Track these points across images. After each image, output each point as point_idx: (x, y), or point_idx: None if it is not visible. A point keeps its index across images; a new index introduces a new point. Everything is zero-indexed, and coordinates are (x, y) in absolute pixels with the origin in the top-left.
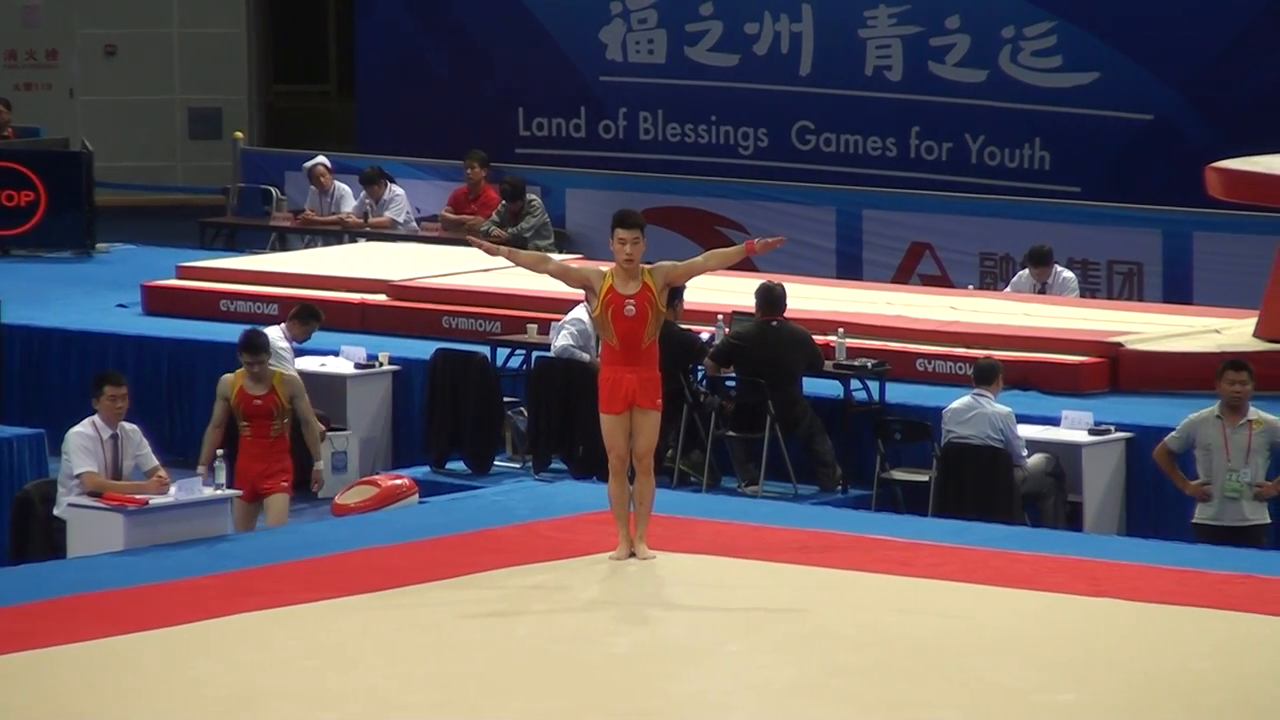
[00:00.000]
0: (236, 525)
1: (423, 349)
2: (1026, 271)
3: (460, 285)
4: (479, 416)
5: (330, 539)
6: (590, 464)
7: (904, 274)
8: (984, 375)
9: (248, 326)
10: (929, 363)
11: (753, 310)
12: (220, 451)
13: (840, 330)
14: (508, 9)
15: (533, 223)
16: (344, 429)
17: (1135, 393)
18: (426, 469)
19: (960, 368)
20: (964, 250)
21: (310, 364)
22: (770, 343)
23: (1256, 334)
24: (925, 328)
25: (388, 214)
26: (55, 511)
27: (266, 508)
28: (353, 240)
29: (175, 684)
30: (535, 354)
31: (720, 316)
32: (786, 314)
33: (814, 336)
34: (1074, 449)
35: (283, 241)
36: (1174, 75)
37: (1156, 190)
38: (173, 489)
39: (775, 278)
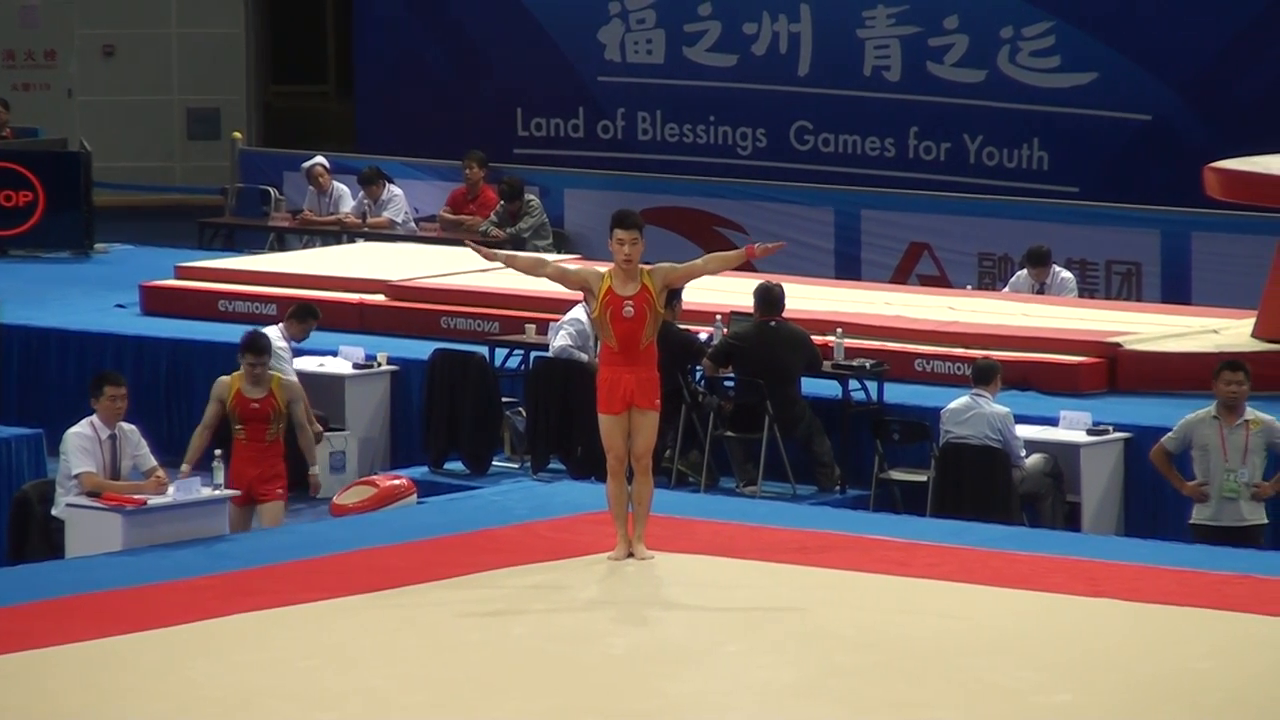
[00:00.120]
0: (230, 529)
1: (421, 349)
2: (1025, 272)
3: (458, 285)
4: (477, 417)
5: (328, 539)
6: (588, 464)
7: (902, 274)
8: (982, 375)
9: (247, 327)
10: (927, 363)
11: (751, 310)
12: (218, 452)
13: (839, 330)
14: (506, 9)
15: (531, 223)
16: (342, 429)
17: (1133, 393)
18: (425, 469)
19: (958, 368)
20: (962, 250)
21: (309, 364)
22: (769, 343)
23: (1255, 334)
24: (924, 328)
25: (386, 214)
26: (53, 511)
27: (261, 514)
28: (351, 240)
29: (173, 684)
30: (534, 354)
31: (719, 317)
32: (785, 314)
33: (812, 337)
34: (1072, 449)
35: (281, 242)
36: (1172, 75)
37: (1155, 190)
38: (171, 489)
39: (774, 278)
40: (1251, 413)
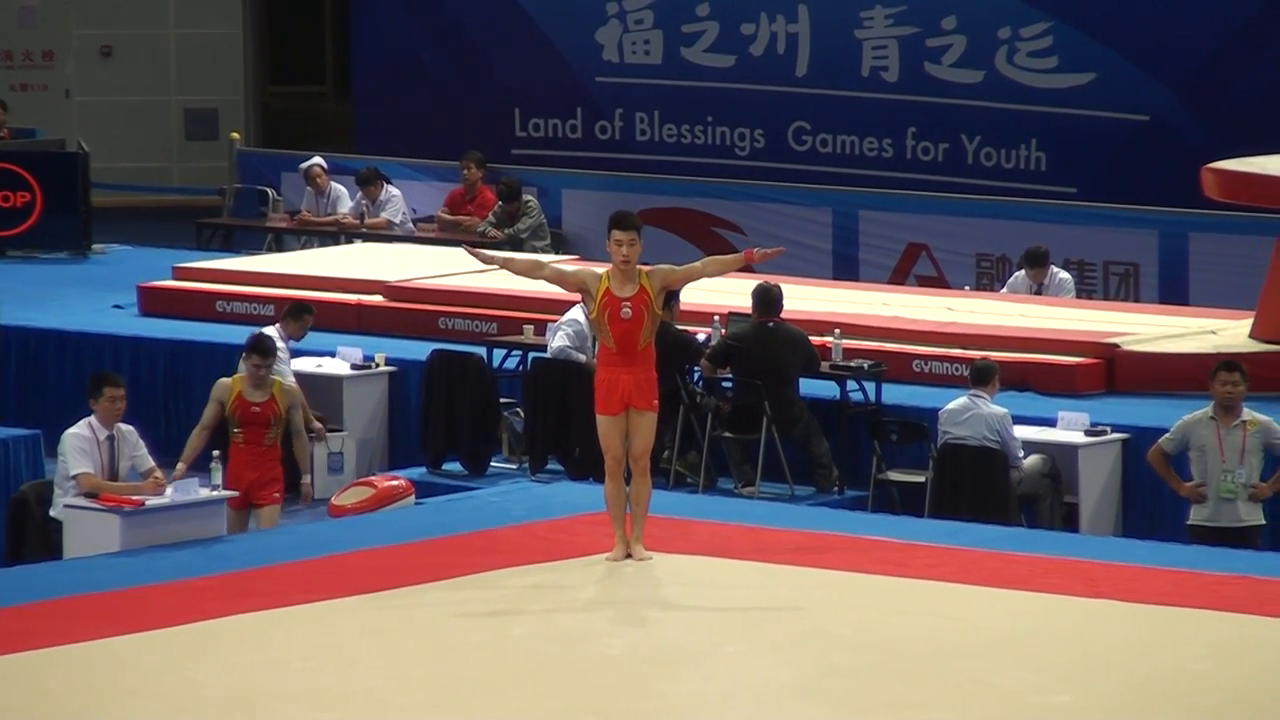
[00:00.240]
0: (226, 531)
1: (419, 350)
2: (1023, 272)
3: (456, 286)
4: (475, 417)
5: (327, 540)
6: (587, 465)
7: (900, 275)
8: (980, 376)
9: (245, 328)
10: (925, 364)
11: (749, 311)
12: (216, 453)
13: (837, 331)
14: (504, 10)
15: (529, 224)
16: (340, 430)
17: (1131, 393)
18: (423, 470)
19: (956, 369)
20: (960, 251)
21: (307, 365)
22: (767, 344)
23: (1252, 335)
24: (922, 329)
25: (384, 215)
26: (51, 512)
27: (258, 518)
28: (349, 241)
29: (172, 685)
30: (532, 355)
31: (717, 317)
32: (783, 315)
33: (810, 337)
34: (1070, 450)
35: (279, 242)
36: (1170, 76)
37: (1152, 191)
38: (169, 490)
39: (772, 279)
40: (1249, 413)
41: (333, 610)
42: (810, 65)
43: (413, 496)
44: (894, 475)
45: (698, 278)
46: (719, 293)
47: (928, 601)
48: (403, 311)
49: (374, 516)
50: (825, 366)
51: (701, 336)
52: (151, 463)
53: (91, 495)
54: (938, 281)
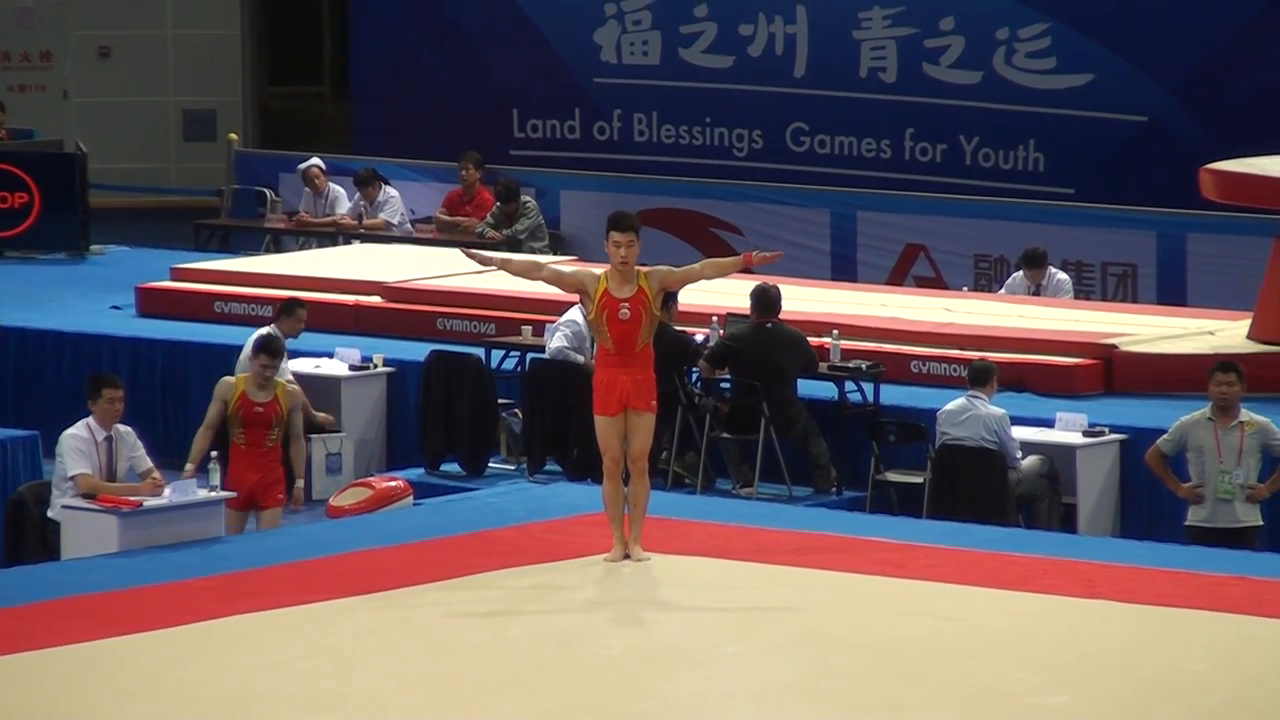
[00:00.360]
0: (226, 532)
1: (417, 351)
2: (1021, 273)
3: (455, 287)
4: (473, 418)
5: (325, 541)
6: (585, 466)
7: (898, 276)
8: (978, 377)
9: (242, 329)
10: (923, 364)
11: (748, 312)
12: (214, 453)
13: (835, 332)
14: (502, 11)
15: (527, 224)
16: (339, 431)
17: (1129, 394)
18: (421, 471)
19: (955, 369)
20: (958, 252)
21: (305, 366)
22: (765, 345)
23: (1250, 336)
24: (920, 329)
25: (382, 216)
26: (49, 513)
27: (261, 519)
28: (347, 242)
29: (170, 685)
30: (530, 356)
31: (715, 318)
32: (781, 316)
33: (809, 338)
34: (1068, 451)
35: (277, 243)
36: (1168, 77)
37: (1151, 192)
38: (167, 491)
39: (770, 279)
40: (1246, 414)
41: (331, 611)
42: (808, 66)
43: (411, 497)
44: (892, 476)
45: (696, 280)
46: (717, 294)
47: (926, 602)
48: (401, 312)
49: (372, 517)
50: (823, 367)
51: (699, 337)
52: (149, 463)
53: (89, 496)
54: (936, 282)
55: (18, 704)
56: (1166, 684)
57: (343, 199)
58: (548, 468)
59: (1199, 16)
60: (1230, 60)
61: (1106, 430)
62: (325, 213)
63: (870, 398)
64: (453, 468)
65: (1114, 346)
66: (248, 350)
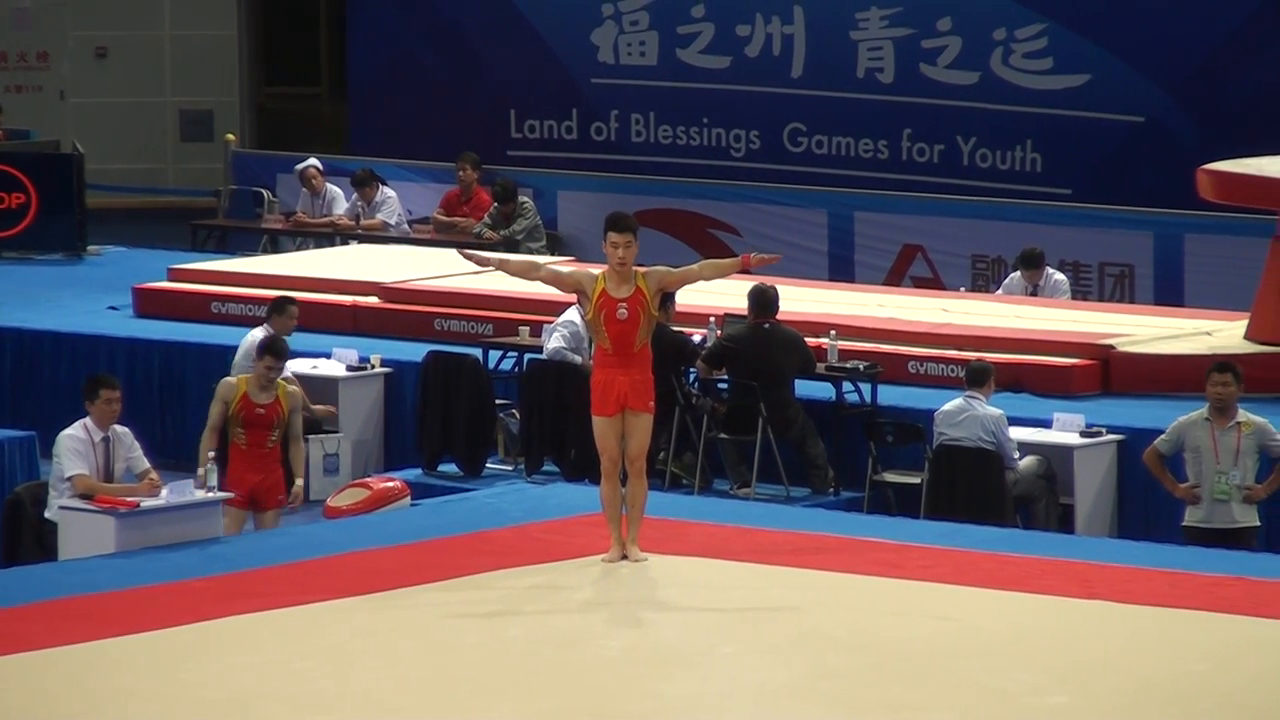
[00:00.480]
0: (225, 531)
1: (415, 351)
2: (1018, 274)
3: (452, 287)
4: (471, 419)
5: (322, 541)
6: (582, 466)
7: (896, 276)
8: (976, 377)
9: (239, 329)
10: (921, 365)
11: (745, 312)
12: (211, 454)
13: (832, 332)
14: (499, 11)
15: (525, 225)
16: (336, 431)
17: (1127, 395)
18: (418, 471)
19: (952, 370)
20: (956, 252)
21: (302, 366)
22: (762, 345)
23: (1247, 336)
24: (917, 330)
25: (379, 216)
26: (46, 514)
27: (262, 520)
28: (344, 242)
29: (167, 686)
30: (527, 356)
31: (712, 319)
32: (779, 316)
33: (806, 339)
34: (1065, 451)
35: (274, 244)
36: (1165, 77)
37: (1148, 192)
38: (164, 491)
39: (767, 280)
40: (1244, 415)
41: (329, 611)
42: (805, 67)
43: (408, 498)
44: (889, 476)
45: (694, 280)
46: (714, 294)
47: (923, 603)
48: (398, 313)
49: (370, 518)
50: (821, 368)
51: (697, 338)
52: (147, 464)
53: (87, 497)
54: (933, 283)
55: (16, 704)
56: (1164, 684)
57: (340, 199)
58: (545, 468)
59: (1196, 17)
60: (1227, 61)
61: (1104, 431)
62: (322, 213)
63: (868, 398)
64: (450, 468)
65: (1111, 347)
66: (242, 351)
